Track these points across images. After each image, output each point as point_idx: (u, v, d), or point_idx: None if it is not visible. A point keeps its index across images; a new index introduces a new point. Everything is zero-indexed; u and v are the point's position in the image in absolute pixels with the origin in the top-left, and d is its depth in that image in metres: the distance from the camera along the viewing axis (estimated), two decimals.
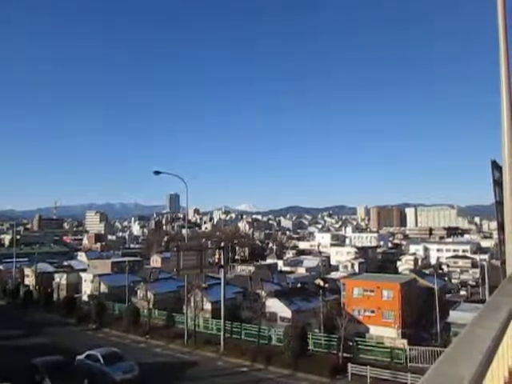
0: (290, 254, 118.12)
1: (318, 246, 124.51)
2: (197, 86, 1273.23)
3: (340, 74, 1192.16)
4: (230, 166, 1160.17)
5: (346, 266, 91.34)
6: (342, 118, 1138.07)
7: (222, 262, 31.53)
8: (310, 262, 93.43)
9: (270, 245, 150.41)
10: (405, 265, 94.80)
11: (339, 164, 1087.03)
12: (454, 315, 41.02)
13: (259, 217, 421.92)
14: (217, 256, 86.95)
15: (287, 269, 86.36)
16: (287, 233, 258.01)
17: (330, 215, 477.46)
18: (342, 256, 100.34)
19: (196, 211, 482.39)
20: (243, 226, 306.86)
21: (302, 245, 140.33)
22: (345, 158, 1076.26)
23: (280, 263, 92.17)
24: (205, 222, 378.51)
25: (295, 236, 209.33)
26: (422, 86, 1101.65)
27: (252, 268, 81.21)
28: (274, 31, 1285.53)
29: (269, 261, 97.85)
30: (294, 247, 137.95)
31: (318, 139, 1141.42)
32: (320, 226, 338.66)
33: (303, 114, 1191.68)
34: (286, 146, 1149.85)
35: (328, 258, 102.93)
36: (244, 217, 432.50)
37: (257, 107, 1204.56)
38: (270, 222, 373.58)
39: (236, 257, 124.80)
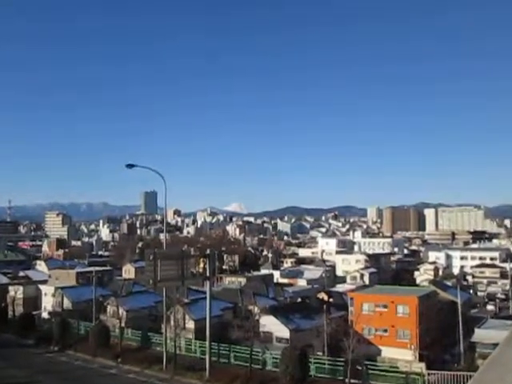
0: (288, 264, 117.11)
1: (322, 254, 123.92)
2: (172, 81, 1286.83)
3: (345, 67, 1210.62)
4: (216, 161, 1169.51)
5: (354, 277, 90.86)
6: (350, 105, 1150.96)
7: (208, 273, 30.86)
8: (312, 272, 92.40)
9: (265, 252, 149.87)
10: (423, 275, 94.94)
11: (346, 157, 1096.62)
12: (479, 333, 41.25)
13: (252, 219, 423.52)
14: (201, 265, 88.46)
15: (285, 281, 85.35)
16: (285, 238, 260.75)
17: (335, 217, 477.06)
18: (349, 265, 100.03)
19: (176, 212, 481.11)
20: (232, 229, 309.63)
21: (303, 252, 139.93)
22: (352, 150, 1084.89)
23: (276, 274, 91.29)
24: (187, 226, 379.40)
25: (294, 242, 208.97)
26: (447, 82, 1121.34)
27: (243, 280, 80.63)
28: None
29: (263, 271, 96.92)
30: (293, 255, 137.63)
31: (320, 125, 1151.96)
32: (324, 230, 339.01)
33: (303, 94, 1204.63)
34: (284, 135, 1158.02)
35: (333, 267, 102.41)
36: (234, 219, 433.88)
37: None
38: (265, 225, 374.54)
39: (224, 266, 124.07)
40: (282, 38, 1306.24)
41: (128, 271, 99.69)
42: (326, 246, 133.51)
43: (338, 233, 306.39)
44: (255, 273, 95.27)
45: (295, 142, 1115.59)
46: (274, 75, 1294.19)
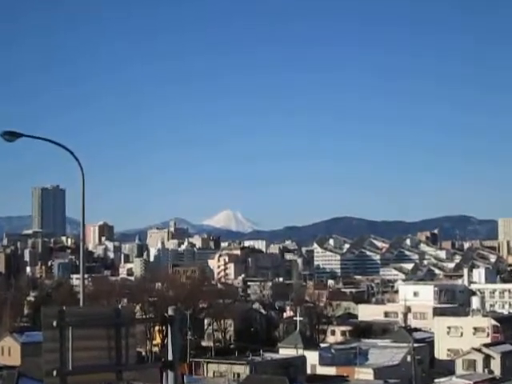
0: (336, 335, 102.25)
1: (406, 316, 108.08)
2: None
3: None
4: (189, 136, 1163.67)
5: (471, 363, 73.79)
6: None
7: (170, 356, 12.51)
8: (386, 353, 78.08)
9: (288, 312, 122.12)
10: None
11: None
12: None
13: (259, 244, 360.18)
14: (157, 340, 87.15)
15: (329, 371, 71.62)
16: (330, 282, 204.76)
17: (431, 239, 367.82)
18: (461, 339, 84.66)
19: (106, 232, 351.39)
20: (221, 264, 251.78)
21: (366, 311, 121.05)
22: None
23: (313, 357, 75.37)
24: (127, 258, 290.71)
25: (349, 291, 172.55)
26: None
27: (243, 369, 67.96)
28: None
29: (284, 351, 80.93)
30: (347, 317, 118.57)
31: None
32: (409, 267, 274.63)
33: None
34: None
35: (429, 343, 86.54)
36: (223, 245, 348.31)
37: None
38: (288, 255, 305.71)
39: (206, 342, 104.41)
40: None
41: (8, 351, 76.61)
42: (414, 299, 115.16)
43: (437, 271, 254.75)
44: (268, 354, 78.39)
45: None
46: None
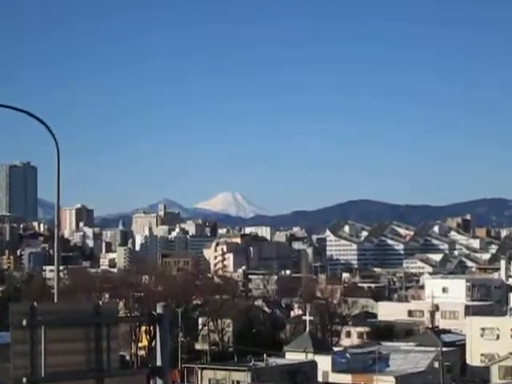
0: (352, 337, 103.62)
1: (433, 314, 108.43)
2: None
3: None
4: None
5: (509, 370, 75.59)
6: None
7: (159, 361, 12.99)
8: (409, 358, 79.17)
9: (296, 311, 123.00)
10: None
11: None
12: None
13: (263, 231, 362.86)
14: (143, 343, 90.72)
15: (342, 377, 71.54)
16: (344, 275, 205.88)
17: (461, 225, 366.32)
18: (497, 342, 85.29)
19: (85, 216, 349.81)
20: (218, 255, 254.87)
21: (386, 309, 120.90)
22: None
23: (325, 362, 75.49)
24: (108, 247, 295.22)
25: (367, 285, 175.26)
26: None
27: (244, 376, 69.08)
28: None
29: (291, 356, 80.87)
30: (365, 316, 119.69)
31: None
32: (437, 258, 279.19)
33: None
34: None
35: (460, 346, 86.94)
36: (220, 231, 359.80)
37: None
38: (296, 244, 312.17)
39: (200, 345, 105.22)
40: None
41: None
42: (443, 296, 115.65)
43: (470, 263, 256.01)
44: (273, 359, 78.67)
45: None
46: None
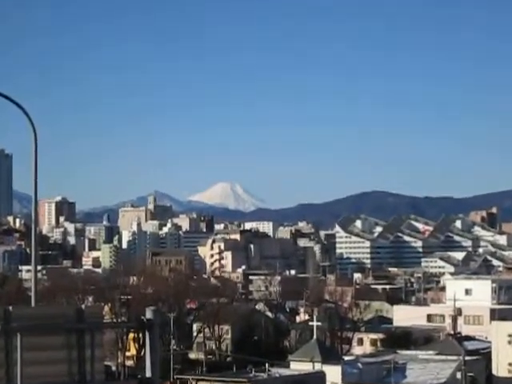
0: (365, 345, 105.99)
1: (455, 319, 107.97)
2: None
3: None
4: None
5: None
6: None
7: (149, 371, 14.52)
8: (429, 368, 78.20)
9: (302, 315, 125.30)
10: None
11: None
12: None
13: (265, 226, 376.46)
14: (131, 351, 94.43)
15: None
16: (356, 276, 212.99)
17: (486, 220, 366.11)
18: None
19: (65, 210, 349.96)
20: (215, 253, 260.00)
21: (403, 313, 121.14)
22: None
23: (333, 373, 75.01)
24: (92, 245, 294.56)
25: (381, 287, 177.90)
26: None
27: None
28: None
29: (296, 366, 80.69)
30: (379, 320, 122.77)
31: None
32: (459, 256, 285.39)
33: None
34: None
35: (485, 354, 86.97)
36: (217, 226, 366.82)
37: None
38: (302, 242, 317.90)
39: (194, 354, 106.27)
40: None
41: None
42: (466, 299, 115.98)
43: (496, 262, 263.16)
44: (276, 370, 78.90)
45: None
46: None
